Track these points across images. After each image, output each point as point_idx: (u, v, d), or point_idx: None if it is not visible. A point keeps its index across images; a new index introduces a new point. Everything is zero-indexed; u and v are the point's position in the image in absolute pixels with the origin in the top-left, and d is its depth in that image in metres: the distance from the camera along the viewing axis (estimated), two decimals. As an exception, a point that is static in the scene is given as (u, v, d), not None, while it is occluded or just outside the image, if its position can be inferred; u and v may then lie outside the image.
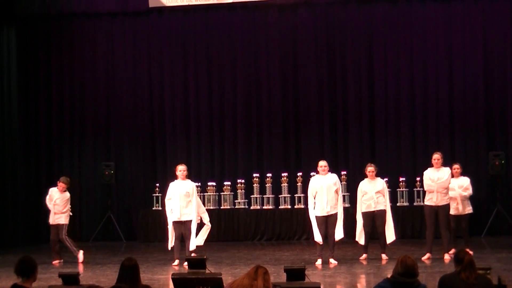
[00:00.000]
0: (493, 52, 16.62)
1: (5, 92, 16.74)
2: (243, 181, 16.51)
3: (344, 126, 17.08)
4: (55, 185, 13.70)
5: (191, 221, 12.31)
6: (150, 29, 17.74)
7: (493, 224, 15.84)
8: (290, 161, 17.06)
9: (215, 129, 17.50)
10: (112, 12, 17.60)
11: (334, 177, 12.47)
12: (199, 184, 16.60)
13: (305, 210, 16.03)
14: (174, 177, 16.87)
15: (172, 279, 8.56)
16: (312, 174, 14.21)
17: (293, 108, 17.26)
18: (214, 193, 16.56)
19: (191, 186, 12.59)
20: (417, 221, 15.75)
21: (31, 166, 17.65)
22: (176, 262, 12.38)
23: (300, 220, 16.22)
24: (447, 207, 12.50)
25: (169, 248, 12.56)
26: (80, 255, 13.28)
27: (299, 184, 16.35)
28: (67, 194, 13.66)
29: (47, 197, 13.66)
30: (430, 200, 12.50)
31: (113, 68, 17.82)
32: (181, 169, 12.60)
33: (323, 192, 12.17)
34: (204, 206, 16.17)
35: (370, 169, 12.87)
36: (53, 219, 13.49)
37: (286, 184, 16.37)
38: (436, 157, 12.59)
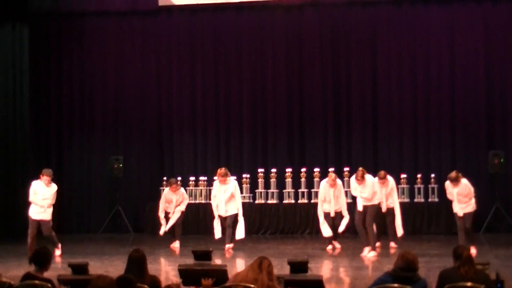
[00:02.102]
0: (495, 53, 16.59)
1: (17, 87, 16.78)
2: (248, 176, 16.53)
3: (348, 123, 17.08)
4: (38, 178, 13.01)
5: (232, 215, 13.49)
6: (158, 27, 17.74)
7: (492, 222, 15.82)
8: (294, 157, 17.06)
9: (221, 125, 17.51)
10: (122, 11, 17.61)
11: (340, 185, 13.54)
12: (206, 178, 16.69)
13: (308, 204, 16.16)
14: (181, 171, 17.06)
15: (179, 270, 8.58)
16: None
17: (298, 105, 17.27)
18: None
19: (233, 185, 13.64)
20: (418, 217, 15.77)
21: (42, 161, 17.63)
22: (227, 246, 13.40)
23: (303, 215, 16.23)
24: (374, 206, 12.63)
25: (216, 238, 13.56)
26: (59, 251, 12.96)
27: (302, 179, 16.38)
28: (55, 187, 13.03)
29: (31, 190, 12.85)
30: (359, 204, 12.73)
31: (122, 66, 17.83)
32: (221, 175, 13.55)
33: (331, 198, 13.25)
34: (210, 200, 16.30)
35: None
36: (38, 214, 12.75)
37: (290, 180, 16.37)
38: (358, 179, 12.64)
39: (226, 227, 13.48)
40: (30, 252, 12.30)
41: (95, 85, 17.85)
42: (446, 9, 16.76)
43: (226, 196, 13.50)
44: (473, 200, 12.88)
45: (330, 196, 13.25)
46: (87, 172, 17.73)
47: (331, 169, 15.84)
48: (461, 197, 12.67)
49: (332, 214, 13.29)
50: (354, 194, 13.11)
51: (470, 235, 12.89)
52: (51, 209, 12.95)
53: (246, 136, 17.37)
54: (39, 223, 12.83)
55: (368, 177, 12.73)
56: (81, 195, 17.58)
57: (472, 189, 12.87)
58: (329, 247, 13.33)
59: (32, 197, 12.89)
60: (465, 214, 12.62)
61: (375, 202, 12.73)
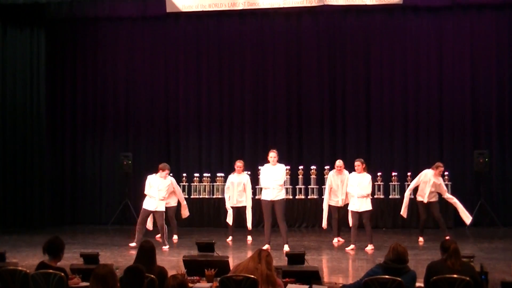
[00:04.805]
0: (479, 59, 16.57)
1: (34, 88, 16.77)
2: (249, 173, 16.41)
3: (343, 124, 17.06)
4: (154, 172, 13.08)
5: (245, 206, 13.59)
6: (167, 32, 17.73)
7: (477, 217, 15.77)
8: (292, 155, 17.03)
9: (225, 125, 17.49)
10: (132, 16, 17.59)
11: (346, 174, 13.13)
12: (209, 174, 16.69)
13: (305, 200, 16.18)
14: (186, 168, 17.07)
15: (183, 260, 8.57)
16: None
17: (296, 107, 17.24)
18: (223, 183, 16.51)
19: (245, 178, 13.68)
20: (408, 212, 15.70)
21: (57, 157, 17.69)
22: (230, 238, 13.66)
23: (300, 209, 16.23)
24: (282, 201, 12.10)
25: (230, 224, 13.76)
26: (165, 247, 12.61)
27: (300, 176, 16.36)
28: (169, 180, 13.17)
29: (147, 183, 12.89)
30: (266, 195, 12.13)
31: (133, 68, 17.82)
32: (238, 165, 13.71)
33: (338, 184, 13.15)
34: (213, 195, 16.34)
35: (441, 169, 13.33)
36: (152, 205, 12.74)
37: (288, 177, 16.30)
38: (273, 155, 12.16)
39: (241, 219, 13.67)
40: (136, 237, 12.62)
41: (107, 86, 17.84)
42: (434, 16, 16.74)
43: (239, 188, 13.57)
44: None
45: (337, 183, 13.10)
46: (99, 168, 17.72)
47: (327, 167, 15.85)
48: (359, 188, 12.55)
49: (341, 203, 13.08)
50: (263, 183, 12.29)
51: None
52: (164, 202, 12.98)
53: (248, 136, 17.35)
54: (152, 214, 12.95)
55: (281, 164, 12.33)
56: (93, 189, 17.59)
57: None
58: (335, 240, 13.32)
59: (147, 189, 12.95)
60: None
61: (283, 195, 12.13)
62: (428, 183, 13.18)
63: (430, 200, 13.23)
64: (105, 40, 17.85)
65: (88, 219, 17.35)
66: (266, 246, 11.82)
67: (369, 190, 12.48)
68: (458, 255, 6.54)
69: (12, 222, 16.37)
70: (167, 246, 12.65)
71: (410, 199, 13.65)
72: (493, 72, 16.49)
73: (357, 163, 12.53)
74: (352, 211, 12.45)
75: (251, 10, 16.76)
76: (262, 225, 15.84)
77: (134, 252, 6.90)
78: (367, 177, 12.49)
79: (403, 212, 13.57)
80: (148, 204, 12.88)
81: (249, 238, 13.76)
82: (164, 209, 12.98)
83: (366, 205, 12.38)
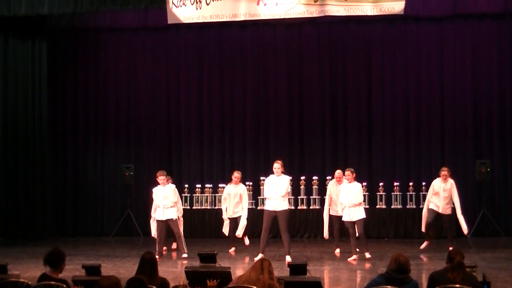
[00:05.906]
0: (481, 68, 16.59)
1: (36, 98, 16.80)
2: (251, 183, 16.50)
3: (344, 133, 17.07)
4: (155, 184, 13.26)
5: (240, 216, 13.33)
6: (168, 43, 17.78)
7: (479, 226, 15.81)
8: (294, 165, 17.02)
9: (226, 135, 17.51)
10: (134, 27, 17.63)
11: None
12: (211, 185, 16.70)
13: (307, 210, 16.19)
14: (188, 179, 17.08)
15: (185, 271, 8.57)
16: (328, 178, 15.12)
17: (298, 117, 17.26)
18: (225, 194, 16.55)
19: (242, 189, 13.56)
20: (409, 222, 15.76)
21: (59, 168, 17.68)
22: (232, 249, 13.63)
23: (302, 220, 16.23)
24: (284, 212, 12.09)
25: (226, 235, 13.72)
26: (185, 254, 12.83)
27: (302, 187, 16.37)
28: (172, 185, 13.25)
29: (153, 196, 13.09)
30: (268, 205, 12.16)
31: (134, 78, 17.85)
32: (236, 176, 13.56)
33: (337, 194, 12.98)
34: (215, 205, 16.35)
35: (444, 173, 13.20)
36: (164, 215, 12.90)
37: (290, 187, 16.32)
38: (277, 166, 12.15)
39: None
40: (158, 250, 12.71)
41: (108, 97, 17.87)
42: (435, 26, 16.77)
43: (236, 200, 13.47)
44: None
45: (337, 192, 12.99)
46: (101, 179, 17.72)
47: (329, 177, 15.85)
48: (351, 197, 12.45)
49: (341, 213, 12.82)
50: (265, 193, 12.27)
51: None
52: (175, 208, 13.07)
53: (249, 146, 17.37)
54: (167, 223, 12.99)
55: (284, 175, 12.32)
56: (94, 200, 17.59)
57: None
58: (337, 250, 13.29)
59: (155, 201, 13.08)
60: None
61: (286, 206, 12.16)
62: (439, 193, 13.12)
63: (445, 212, 13.16)
64: (106, 51, 17.90)
65: (90, 230, 17.34)
66: (259, 256, 11.76)
67: (361, 199, 12.48)
68: (461, 268, 6.48)
69: (14, 233, 16.37)
70: (186, 254, 12.75)
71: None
72: (494, 81, 16.52)
73: (347, 173, 12.58)
74: (346, 222, 12.44)
75: (252, 21, 16.78)
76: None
77: (136, 264, 6.90)
78: (357, 186, 12.48)
79: (424, 228, 13.47)
80: (159, 214, 13.01)
81: (247, 241, 13.76)
82: (176, 216, 13.04)
83: (359, 214, 12.36)
